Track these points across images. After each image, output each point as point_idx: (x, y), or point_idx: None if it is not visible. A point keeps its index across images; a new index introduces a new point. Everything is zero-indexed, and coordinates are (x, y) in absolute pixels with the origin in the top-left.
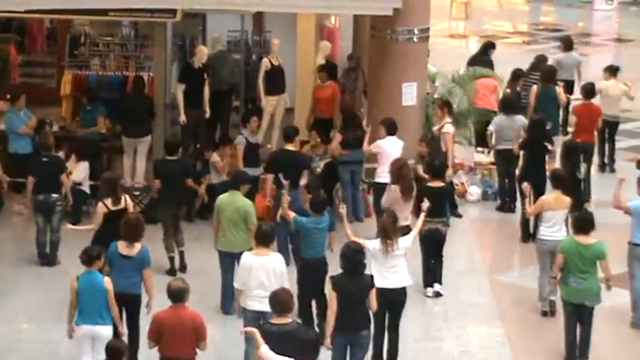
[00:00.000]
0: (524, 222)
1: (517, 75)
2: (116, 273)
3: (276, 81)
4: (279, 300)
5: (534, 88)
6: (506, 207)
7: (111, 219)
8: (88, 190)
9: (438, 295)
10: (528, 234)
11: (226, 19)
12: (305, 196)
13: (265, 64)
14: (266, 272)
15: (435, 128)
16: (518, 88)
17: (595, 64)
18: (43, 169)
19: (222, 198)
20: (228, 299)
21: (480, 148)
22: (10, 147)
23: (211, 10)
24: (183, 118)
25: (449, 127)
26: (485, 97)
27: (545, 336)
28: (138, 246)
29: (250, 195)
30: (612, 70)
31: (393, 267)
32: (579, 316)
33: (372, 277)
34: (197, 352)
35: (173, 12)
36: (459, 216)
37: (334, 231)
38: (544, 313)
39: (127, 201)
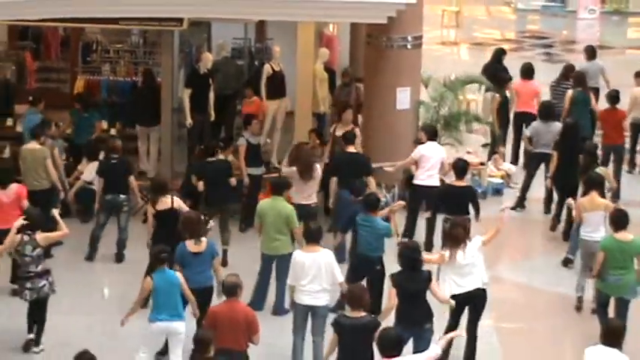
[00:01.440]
0: (558, 215)
1: (502, 79)
2: (189, 271)
3: (277, 86)
4: (354, 295)
5: (569, 92)
6: (544, 209)
7: (160, 219)
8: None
9: None
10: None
11: (230, 28)
12: None
13: (267, 69)
14: (318, 267)
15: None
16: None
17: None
18: (112, 170)
19: (264, 203)
20: (260, 297)
21: (469, 149)
22: None
23: (216, 18)
24: (189, 121)
25: (358, 130)
26: (528, 102)
27: (532, 326)
28: (204, 241)
29: (254, 194)
30: None
31: (467, 272)
32: (616, 309)
33: (429, 272)
34: (248, 345)
35: (180, 20)
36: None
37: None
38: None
39: (174, 201)
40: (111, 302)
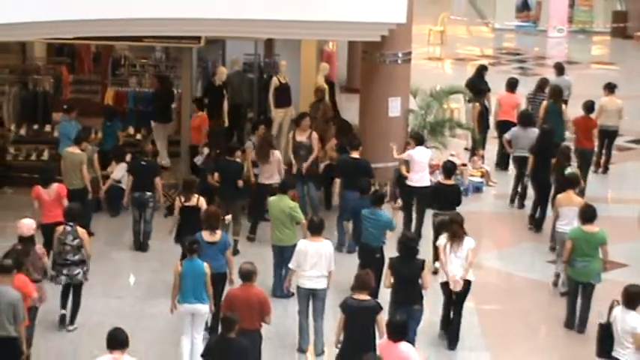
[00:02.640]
0: (533, 215)
1: (482, 91)
2: (205, 258)
3: (283, 96)
4: (362, 280)
5: (544, 103)
6: (518, 204)
7: (184, 213)
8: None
9: None
10: (534, 223)
11: (242, 45)
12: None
13: (275, 82)
14: (318, 256)
15: (304, 137)
16: (529, 107)
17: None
18: (141, 171)
19: (271, 200)
20: (276, 283)
21: (453, 152)
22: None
23: (230, 37)
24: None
25: (315, 134)
26: (509, 112)
27: (508, 307)
28: (219, 233)
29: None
30: (610, 88)
31: (457, 261)
32: (582, 292)
33: (423, 261)
34: (261, 325)
35: (198, 39)
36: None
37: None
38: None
39: (199, 200)
40: (138, 287)
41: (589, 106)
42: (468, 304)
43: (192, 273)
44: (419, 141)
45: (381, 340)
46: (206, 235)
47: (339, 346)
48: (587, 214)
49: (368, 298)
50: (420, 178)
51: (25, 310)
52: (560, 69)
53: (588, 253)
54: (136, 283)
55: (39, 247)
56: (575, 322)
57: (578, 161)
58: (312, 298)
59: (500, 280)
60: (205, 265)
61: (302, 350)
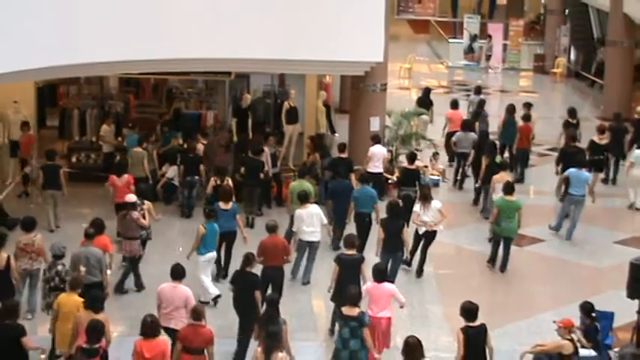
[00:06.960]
0: (477, 195)
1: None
2: (221, 220)
3: (292, 116)
4: (351, 239)
5: (503, 116)
6: (458, 186)
7: (217, 189)
8: (177, 184)
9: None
10: (477, 201)
11: (262, 77)
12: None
13: (286, 105)
14: (310, 217)
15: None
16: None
17: (489, 104)
18: (190, 161)
19: (294, 183)
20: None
21: (419, 157)
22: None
23: (252, 72)
24: (235, 138)
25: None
26: (458, 125)
27: (458, 272)
28: (231, 203)
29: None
30: (527, 106)
31: (428, 218)
32: (504, 244)
33: (403, 221)
34: (284, 265)
35: (229, 74)
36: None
37: (376, 203)
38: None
39: (228, 181)
40: (185, 255)
41: (527, 117)
42: (429, 270)
43: (211, 232)
44: (376, 141)
45: (367, 284)
46: (222, 205)
47: (331, 290)
48: (508, 188)
49: (355, 252)
50: (375, 166)
51: (108, 262)
52: (477, 90)
53: (509, 215)
54: (183, 253)
55: (134, 213)
56: (495, 260)
57: (517, 157)
58: (309, 247)
59: (452, 252)
60: (216, 226)
61: (293, 274)
